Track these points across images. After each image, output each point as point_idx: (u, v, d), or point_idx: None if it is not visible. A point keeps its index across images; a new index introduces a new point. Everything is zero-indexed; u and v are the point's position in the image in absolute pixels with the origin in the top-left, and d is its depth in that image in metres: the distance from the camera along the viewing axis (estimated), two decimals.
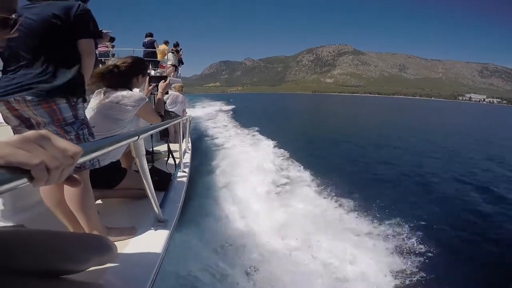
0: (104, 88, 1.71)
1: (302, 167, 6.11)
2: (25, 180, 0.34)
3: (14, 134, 1.27)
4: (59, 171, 0.37)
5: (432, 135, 14.10)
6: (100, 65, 1.72)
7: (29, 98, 1.14)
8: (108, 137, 0.76)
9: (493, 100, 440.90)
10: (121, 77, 1.72)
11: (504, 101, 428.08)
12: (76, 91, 1.26)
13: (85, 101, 1.32)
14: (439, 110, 40.22)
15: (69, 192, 1.26)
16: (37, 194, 1.72)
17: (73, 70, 1.26)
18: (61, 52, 1.23)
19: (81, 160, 0.46)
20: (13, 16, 0.60)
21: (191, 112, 8.70)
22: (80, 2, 1.27)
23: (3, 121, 1.31)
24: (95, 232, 1.32)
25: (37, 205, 1.68)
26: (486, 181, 6.32)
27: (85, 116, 1.33)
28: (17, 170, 0.33)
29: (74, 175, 0.45)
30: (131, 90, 1.76)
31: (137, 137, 1.01)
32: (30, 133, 0.36)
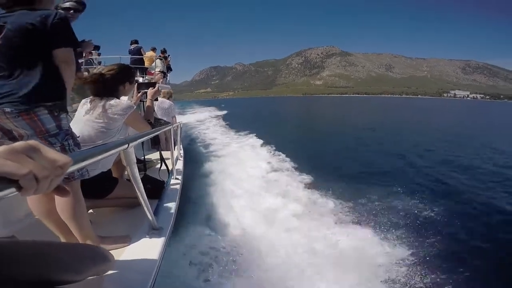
0: (91, 97, 1.68)
1: (296, 169, 6.17)
2: (13, 189, 0.34)
3: None
4: (48, 181, 0.38)
5: (417, 134, 14.40)
6: (86, 74, 1.70)
7: (8, 109, 1.11)
8: (97, 146, 0.75)
9: (476, 96, 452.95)
10: (107, 85, 1.70)
11: (487, 96, 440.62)
12: (56, 101, 1.23)
13: (66, 111, 1.30)
14: (424, 110, 41.31)
15: (61, 202, 1.25)
16: (27, 205, 1.69)
17: (52, 80, 1.23)
18: (39, 62, 1.20)
19: (71, 169, 0.46)
20: None
21: (182, 118, 8.66)
22: (57, 11, 1.23)
23: None
24: (88, 242, 1.31)
25: (27, 216, 1.65)
26: (484, 178, 6.41)
27: (69, 127, 1.30)
28: (5, 180, 0.33)
29: (63, 185, 0.45)
30: (119, 98, 1.74)
31: (127, 145, 1.00)
32: (18, 143, 0.36)
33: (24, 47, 1.17)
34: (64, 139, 1.25)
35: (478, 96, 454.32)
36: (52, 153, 0.39)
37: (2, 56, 1.15)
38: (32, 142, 0.38)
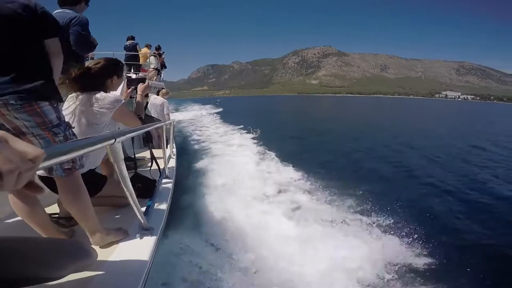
0: (77, 92, 1.62)
1: (290, 167, 6.18)
2: None
3: None
4: (14, 176, 0.33)
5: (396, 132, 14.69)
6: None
7: (12, 101, 1.09)
8: (82, 139, 0.72)
9: (467, 97, 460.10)
10: (94, 79, 1.64)
11: (478, 98, 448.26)
12: (53, 92, 1.23)
13: (62, 102, 1.32)
14: (413, 109, 42.16)
15: (64, 195, 1.25)
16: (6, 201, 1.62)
17: (47, 71, 1.23)
18: (31, 53, 1.17)
19: (49, 163, 0.43)
20: None
21: (176, 116, 8.57)
22: (35, 1, 1.19)
23: None
24: (97, 234, 1.32)
25: (11, 215, 1.60)
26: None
27: (64, 117, 1.30)
28: None
29: (35, 182, 0.41)
30: (106, 92, 1.68)
31: (113, 140, 0.95)
32: None
33: (13, 36, 1.12)
34: (66, 129, 1.24)
35: (469, 97, 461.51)
36: (22, 145, 0.36)
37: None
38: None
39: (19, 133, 1.16)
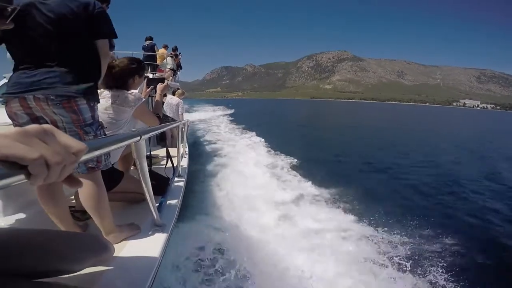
0: (100, 89, 1.68)
1: (300, 170, 6.12)
2: (21, 176, 0.31)
3: None
4: (60, 168, 0.34)
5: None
6: None
7: (52, 97, 1.12)
8: (111, 136, 0.75)
9: (487, 106, 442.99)
10: (117, 78, 1.70)
11: (498, 107, 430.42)
12: (94, 92, 1.26)
13: (98, 102, 1.32)
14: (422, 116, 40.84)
15: (85, 192, 1.26)
16: (28, 195, 1.68)
17: (95, 71, 1.27)
18: (81, 52, 1.22)
19: (84, 158, 0.44)
20: (11, 7, 0.58)
21: (189, 116, 8.69)
22: (95, 0, 1.23)
23: (6, 121, 1.29)
24: (111, 234, 1.32)
25: (30, 205, 1.64)
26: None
27: (99, 117, 1.33)
28: (14, 165, 0.30)
29: (74, 175, 0.41)
30: (128, 91, 1.74)
31: (139, 137, 0.99)
32: (31, 126, 0.34)
33: (65, 35, 1.16)
34: (97, 129, 1.27)
35: (489, 106, 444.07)
36: (67, 138, 0.37)
37: (43, 43, 1.14)
38: (46, 125, 0.35)
39: (51, 123, 1.18)
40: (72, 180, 0.41)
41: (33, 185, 0.33)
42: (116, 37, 1.32)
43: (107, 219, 1.31)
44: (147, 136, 1.09)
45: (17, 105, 1.16)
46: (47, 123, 1.16)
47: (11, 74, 1.20)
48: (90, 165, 1.25)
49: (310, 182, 5.33)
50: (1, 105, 1.24)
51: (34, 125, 0.34)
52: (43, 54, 1.16)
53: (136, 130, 1.02)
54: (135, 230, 1.43)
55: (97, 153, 0.58)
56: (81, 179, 1.26)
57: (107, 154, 1.37)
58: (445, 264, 2.94)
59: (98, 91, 1.67)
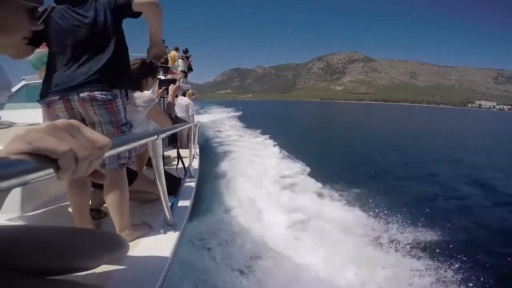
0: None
1: (310, 171, 6.09)
2: (51, 170, 0.31)
3: None
4: (87, 162, 0.35)
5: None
6: None
7: (99, 97, 1.14)
8: (131, 134, 0.78)
9: (503, 107, 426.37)
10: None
11: None
12: (127, 92, 1.28)
13: (128, 101, 1.35)
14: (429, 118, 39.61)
15: (113, 188, 1.26)
16: (45, 193, 1.72)
17: (127, 71, 1.29)
18: (116, 52, 1.22)
19: (107, 154, 0.45)
20: (41, 8, 0.60)
21: (199, 118, 8.79)
22: None
23: (15, 121, 1.32)
24: (126, 231, 1.32)
25: (47, 204, 1.68)
26: None
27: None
28: (45, 159, 0.31)
29: (99, 170, 0.42)
30: (141, 92, 1.77)
31: (156, 136, 1.01)
32: (59, 121, 0.35)
33: (103, 33, 1.19)
34: (130, 129, 1.30)
35: (505, 107, 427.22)
36: (93, 133, 0.37)
37: (87, 43, 1.17)
38: (73, 120, 0.36)
39: (89, 124, 1.22)
40: (97, 174, 0.42)
41: (61, 179, 0.33)
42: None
43: (125, 216, 1.32)
44: (164, 135, 1.11)
45: (61, 107, 1.17)
46: (84, 122, 1.21)
47: (35, 75, 1.22)
48: (122, 161, 1.27)
49: (322, 183, 5.29)
50: (43, 105, 1.23)
51: (62, 120, 0.35)
52: (80, 54, 1.17)
53: (153, 129, 1.03)
54: (147, 229, 1.44)
55: (120, 149, 0.59)
56: (111, 175, 1.27)
57: (134, 151, 1.38)
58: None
59: None
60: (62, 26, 1.15)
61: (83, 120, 1.21)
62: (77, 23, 1.16)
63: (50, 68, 1.20)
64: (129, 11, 1.22)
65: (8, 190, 0.28)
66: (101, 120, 1.20)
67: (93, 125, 1.21)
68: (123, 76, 1.25)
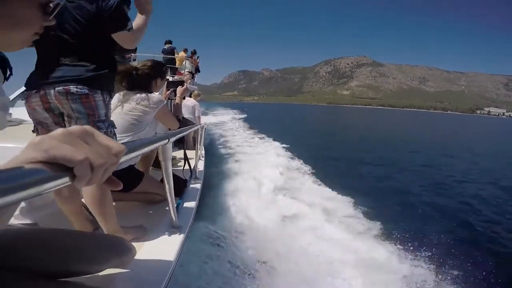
0: (124, 90, 1.73)
1: (316, 173, 6.06)
2: (67, 179, 0.31)
3: (35, 130, 1.29)
4: (102, 170, 0.35)
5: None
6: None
7: (73, 90, 1.14)
8: (141, 139, 0.76)
9: None
10: (140, 79, 1.74)
11: None
12: (110, 89, 1.28)
13: (111, 97, 1.34)
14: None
15: (89, 192, 1.24)
16: (44, 196, 1.72)
17: (111, 67, 1.28)
18: (99, 48, 1.24)
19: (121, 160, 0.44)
20: (53, 3, 0.59)
21: (204, 119, 8.85)
22: None
23: (25, 119, 1.33)
24: (114, 233, 1.30)
25: (52, 203, 1.69)
26: None
27: (110, 116, 1.34)
28: (60, 167, 0.30)
29: (113, 176, 0.42)
30: (150, 93, 1.77)
31: (167, 140, 1.01)
32: (73, 127, 0.34)
33: (88, 33, 1.20)
34: (109, 127, 1.27)
35: None
36: (107, 139, 0.37)
37: (68, 42, 1.18)
38: (86, 126, 0.35)
39: (67, 117, 1.21)
40: (112, 181, 0.41)
41: (77, 186, 0.33)
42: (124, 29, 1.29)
43: (111, 219, 1.30)
44: (174, 139, 1.12)
45: (37, 100, 1.17)
46: (63, 116, 1.22)
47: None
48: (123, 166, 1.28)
49: (329, 187, 5.24)
50: (23, 99, 1.25)
51: (77, 126, 0.34)
52: (64, 51, 1.18)
53: (164, 133, 1.04)
54: (141, 233, 1.41)
55: (133, 155, 0.58)
56: None
57: None
58: None
59: (122, 93, 1.71)
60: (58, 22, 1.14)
61: (61, 115, 1.21)
62: (67, 19, 1.17)
63: (36, 63, 1.22)
64: (108, 29, 1.25)
65: (24, 200, 0.27)
66: (77, 115, 1.19)
67: (69, 119, 1.20)
68: (103, 78, 1.24)
